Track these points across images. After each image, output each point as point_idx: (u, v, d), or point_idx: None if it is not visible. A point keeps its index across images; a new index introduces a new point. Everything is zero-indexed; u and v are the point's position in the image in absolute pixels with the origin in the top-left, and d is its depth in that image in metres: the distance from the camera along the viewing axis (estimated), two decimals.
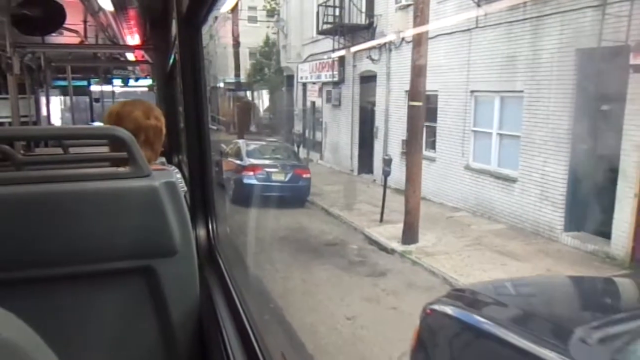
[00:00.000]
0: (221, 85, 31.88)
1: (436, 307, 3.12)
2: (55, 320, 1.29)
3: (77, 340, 1.36)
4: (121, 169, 1.40)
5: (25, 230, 1.26)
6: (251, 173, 11.86)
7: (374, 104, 15.08)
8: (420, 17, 8.08)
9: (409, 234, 8.57)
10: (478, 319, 2.97)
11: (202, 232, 1.97)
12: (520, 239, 8.55)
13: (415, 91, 8.40)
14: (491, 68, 9.84)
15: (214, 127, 26.77)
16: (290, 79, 23.20)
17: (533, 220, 8.84)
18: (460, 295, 3.37)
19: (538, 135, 8.64)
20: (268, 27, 28.01)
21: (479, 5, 9.76)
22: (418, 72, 8.24)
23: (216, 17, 25.17)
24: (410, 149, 8.83)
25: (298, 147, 17.68)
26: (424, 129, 9.69)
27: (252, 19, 29.69)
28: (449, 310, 3.04)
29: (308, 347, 4.93)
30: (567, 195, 8.20)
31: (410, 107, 8.64)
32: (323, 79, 18.11)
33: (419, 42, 8.20)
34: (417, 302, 6.30)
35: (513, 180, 9.37)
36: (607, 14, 7.13)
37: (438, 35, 10.89)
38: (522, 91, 8.97)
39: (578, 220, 8.17)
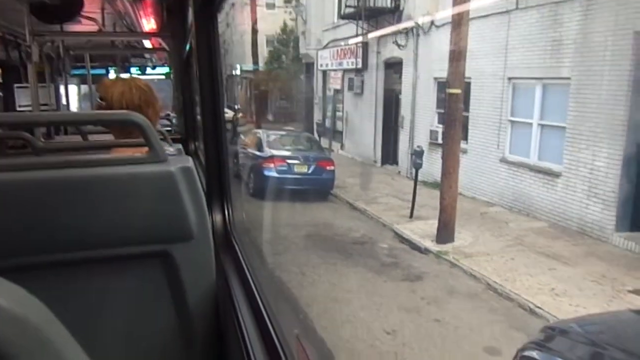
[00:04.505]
0: (238, 73, 31.44)
1: (526, 353, 2.56)
2: (72, 303, 1.30)
3: (94, 323, 1.37)
4: (138, 154, 1.44)
5: (43, 214, 1.28)
6: (272, 165, 11.34)
7: (399, 92, 14.41)
8: None
9: (444, 233, 7.96)
10: None
11: (218, 218, 1.98)
12: (565, 239, 7.89)
13: (453, 77, 7.71)
14: (532, 53, 9.10)
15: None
16: (309, 66, 22.58)
17: (578, 218, 8.16)
18: (551, 335, 2.79)
19: (587, 127, 7.92)
20: (286, 12, 27.42)
21: None
22: (457, 56, 7.54)
23: (233, 4, 24.64)
24: (448, 139, 8.18)
25: (319, 136, 17.11)
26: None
27: (270, 6, 29.10)
28: (536, 355, 2.49)
29: None
30: (620, 191, 7.50)
31: (448, 95, 7.95)
32: (345, 66, 17.45)
33: (458, 23, 7.50)
34: (462, 313, 5.76)
35: (556, 175, 8.68)
36: None
37: (471, 18, 10.14)
38: (569, 78, 8.23)
39: (632, 219, 7.47)
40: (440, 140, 10.74)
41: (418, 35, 12.94)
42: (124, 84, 2.03)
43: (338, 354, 4.63)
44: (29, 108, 5.93)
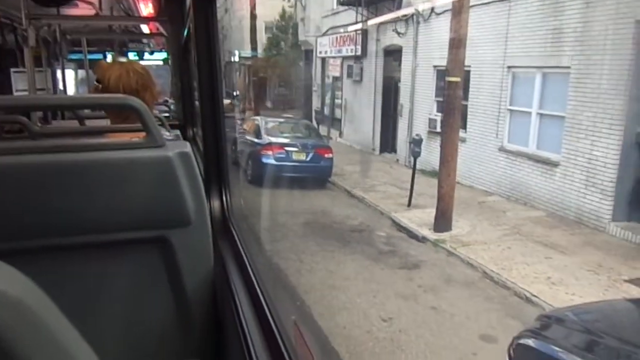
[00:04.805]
0: (236, 59, 31.24)
1: (522, 341, 2.58)
2: (68, 288, 1.30)
3: (91, 308, 1.36)
4: (135, 139, 1.40)
5: (39, 199, 1.26)
6: (270, 152, 11.31)
7: (398, 79, 14.35)
8: None
9: (442, 221, 7.97)
10: (557, 352, 2.49)
11: (216, 204, 1.96)
12: (562, 229, 7.91)
13: (453, 65, 7.67)
14: (532, 42, 9.05)
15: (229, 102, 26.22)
16: (308, 53, 22.44)
17: (576, 207, 8.18)
18: (547, 324, 2.81)
19: (586, 116, 7.90)
20: None
21: None
22: (457, 44, 7.49)
23: None
24: (446, 128, 8.15)
25: (318, 124, 17.07)
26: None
27: None
28: (531, 343, 2.51)
29: (342, 356, 4.42)
30: (618, 181, 7.51)
31: (447, 83, 7.91)
32: (344, 54, 17.34)
33: (459, 10, 7.44)
34: (458, 301, 5.79)
35: (554, 164, 8.68)
36: None
37: (472, 5, 10.05)
38: (568, 67, 8.20)
39: (629, 209, 7.49)
40: (439, 129, 10.73)
41: (418, 22, 12.86)
42: (121, 68, 2.02)
43: (335, 340, 4.66)
44: (26, 93, 5.88)
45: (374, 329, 4.93)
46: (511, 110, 9.91)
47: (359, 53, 16.17)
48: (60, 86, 8.36)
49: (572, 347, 2.47)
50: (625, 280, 5.97)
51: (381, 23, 14.81)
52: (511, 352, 2.66)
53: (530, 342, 2.57)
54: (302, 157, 11.33)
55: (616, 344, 2.58)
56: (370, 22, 15.35)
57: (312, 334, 4.55)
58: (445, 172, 8.10)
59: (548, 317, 2.99)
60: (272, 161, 11.15)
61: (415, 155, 9.79)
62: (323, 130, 16.60)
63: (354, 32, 16.24)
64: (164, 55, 12.92)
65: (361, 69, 16.33)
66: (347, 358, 4.41)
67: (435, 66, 12.11)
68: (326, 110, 19.46)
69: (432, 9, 12.09)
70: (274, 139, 11.64)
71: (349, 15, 16.46)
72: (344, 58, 17.48)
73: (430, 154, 11.28)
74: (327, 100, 19.72)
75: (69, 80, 10.50)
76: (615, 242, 7.27)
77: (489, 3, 9.87)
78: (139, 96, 1.90)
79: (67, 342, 0.44)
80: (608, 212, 7.62)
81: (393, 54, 14.67)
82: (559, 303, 5.27)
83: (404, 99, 13.85)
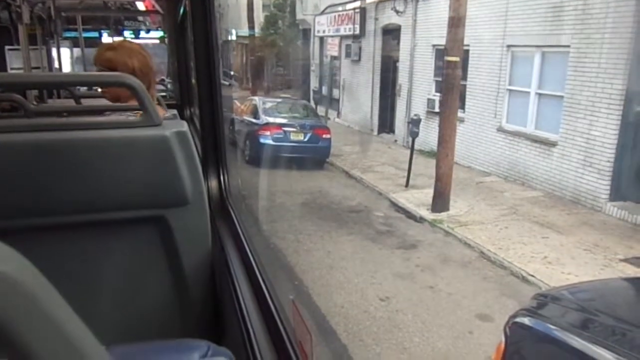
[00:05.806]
0: (233, 38, 30.92)
1: (518, 319, 2.60)
2: (65, 267, 1.32)
3: (88, 286, 1.37)
4: (132, 118, 1.43)
5: (35, 177, 1.25)
6: (268, 132, 11.25)
7: (396, 59, 14.24)
8: None
9: (440, 201, 7.98)
10: (552, 330, 2.51)
11: (213, 184, 1.97)
12: (559, 208, 7.94)
13: (452, 45, 7.59)
14: (532, 20, 8.96)
15: (226, 83, 26.04)
16: (306, 32, 22.20)
17: (573, 187, 8.20)
18: (543, 302, 2.84)
19: (585, 96, 7.87)
20: None
21: None
22: (456, 23, 7.41)
23: None
24: (445, 108, 8.10)
25: (316, 104, 16.97)
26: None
27: None
28: (527, 321, 2.53)
29: (340, 335, 4.46)
30: (616, 161, 7.51)
31: (446, 63, 7.85)
32: (342, 33, 17.17)
33: None
34: (455, 280, 5.83)
35: (552, 144, 8.67)
36: None
37: None
38: (568, 46, 8.13)
39: (626, 189, 7.51)
40: (437, 109, 10.68)
41: (417, 0, 12.70)
42: (132, 49, 1.95)
43: (333, 319, 4.71)
44: (21, 71, 5.80)
45: (371, 308, 4.96)
46: (510, 90, 9.86)
47: (357, 32, 16.01)
48: (56, 64, 8.28)
49: (568, 325, 2.49)
50: (621, 260, 6.02)
51: (380, 1, 14.64)
52: (507, 330, 2.68)
53: (527, 320, 2.60)
54: (300, 137, 11.28)
55: (611, 322, 2.60)
56: (369, 0, 15.17)
57: (310, 313, 4.59)
58: (443, 152, 8.09)
59: (544, 296, 3.01)
60: (269, 141, 11.11)
61: (414, 135, 9.76)
62: (321, 110, 16.51)
63: (352, 11, 16.06)
64: (160, 33, 12.79)
65: (359, 49, 16.18)
66: (345, 337, 4.44)
67: (434, 45, 12.01)
68: (324, 90, 19.34)
69: None
70: (271, 119, 11.58)
71: None
72: (342, 37, 17.32)
73: (429, 135, 11.26)
74: (325, 80, 19.59)
75: (65, 59, 10.40)
76: (612, 221, 7.31)
77: None
78: (152, 72, 1.96)
79: (62, 321, 0.44)
80: (605, 192, 7.64)
81: (392, 33, 14.53)
82: (555, 282, 5.32)
83: (402, 78, 13.76)
